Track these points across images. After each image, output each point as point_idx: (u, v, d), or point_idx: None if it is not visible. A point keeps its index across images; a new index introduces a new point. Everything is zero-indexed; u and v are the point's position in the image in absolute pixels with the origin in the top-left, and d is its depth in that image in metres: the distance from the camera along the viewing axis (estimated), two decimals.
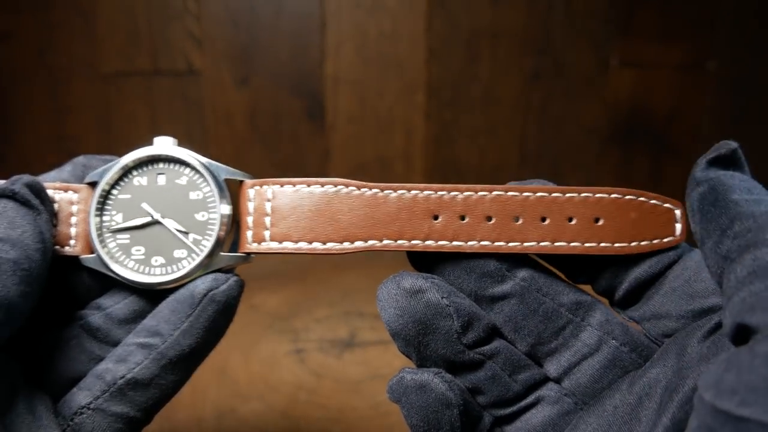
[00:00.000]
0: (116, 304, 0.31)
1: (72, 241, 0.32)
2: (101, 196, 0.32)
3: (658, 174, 0.97)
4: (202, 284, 0.30)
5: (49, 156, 0.93)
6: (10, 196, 0.28)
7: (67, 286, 0.32)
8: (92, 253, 0.32)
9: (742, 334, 0.21)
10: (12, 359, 0.29)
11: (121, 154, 0.33)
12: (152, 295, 0.31)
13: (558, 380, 0.31)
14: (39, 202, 0.29)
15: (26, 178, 0.29)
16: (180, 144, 0.33)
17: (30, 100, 0.91)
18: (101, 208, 0.32)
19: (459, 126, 0.93)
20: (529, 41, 0.91)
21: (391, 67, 0.91)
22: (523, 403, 0.30)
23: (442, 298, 0.29)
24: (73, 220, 0.32)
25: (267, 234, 0.31)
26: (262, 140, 0.92)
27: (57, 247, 0.31)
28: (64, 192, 0.32)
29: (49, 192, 0.32)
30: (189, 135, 0.92)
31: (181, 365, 0.30)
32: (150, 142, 0.33)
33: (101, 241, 0.31)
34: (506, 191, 0.30)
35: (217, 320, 0.31)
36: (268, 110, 0.92)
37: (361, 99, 0.92)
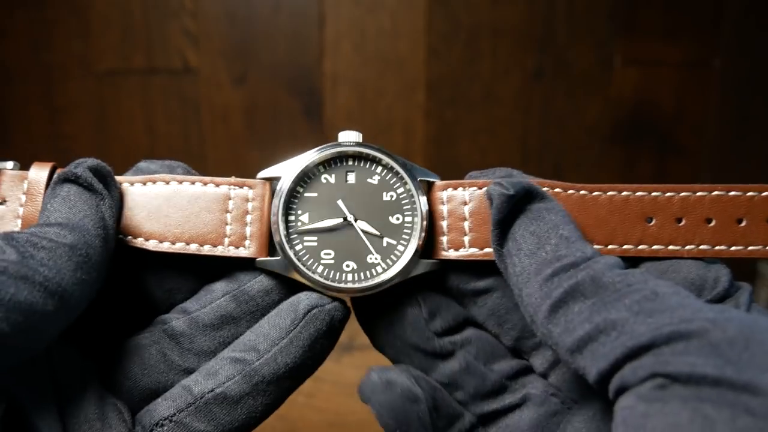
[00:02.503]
0: (202, 308, 0.29)
1: (247, 242, 0.29)
2: (287, 194, 0.29)
3: (662, 173, 0.96)
4: (306, 300, 0.28)
5: (44, 155, 0.91)
6: (73, 180, 0.27)
7: (147, 288, 0.30)
8: (270, 255, 0.29)
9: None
10: (86, 358, 0.28)
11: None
12: (246, 300, 0.29)
13: (544, 375, 0.30)
14: (103, 187, 0.27)
15: (90, 161, 0.27)
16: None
17: (24, 98, 0.90)
18: (287, 207, 0.29)
19: (459, 125, 0.92)
20: (530, 39, 0.91)
21: (391, 65, 0.90)
22: (507, 402, 0.29)
23: None
24: (249, 218, 0.29)
25: (466, 240, 0.29)
26: (260, 139, 0.91)
27: (231, 248, 0.29)
28: (240, 188, 0.29)
29: (224, 188, 0.29)
30: (185, 134, 0.90)
31: (275, 387, 0.28)
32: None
33: (289, 243, 0.29)
34: (728, 191, 0.29)
35: (319, 341, 0.28)
36: (265, 108, 0.91)
37: (360, 97, 0.91)
